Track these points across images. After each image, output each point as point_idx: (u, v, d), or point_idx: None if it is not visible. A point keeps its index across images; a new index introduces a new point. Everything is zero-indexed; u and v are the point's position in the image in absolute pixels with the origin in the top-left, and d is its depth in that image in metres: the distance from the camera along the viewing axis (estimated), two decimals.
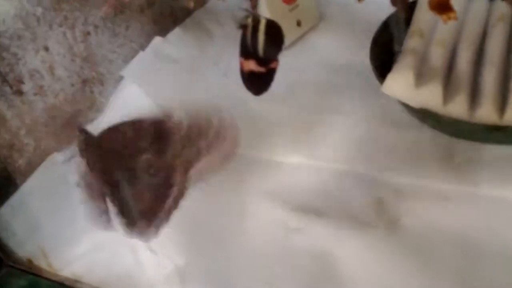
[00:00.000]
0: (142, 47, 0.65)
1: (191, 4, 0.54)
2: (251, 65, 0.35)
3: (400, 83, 0.51)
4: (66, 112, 0.56)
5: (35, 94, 0.52)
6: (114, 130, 0.41)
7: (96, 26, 0.58)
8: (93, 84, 0.59)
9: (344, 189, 0.50)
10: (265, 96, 0.60)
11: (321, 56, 0.65)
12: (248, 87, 0.36)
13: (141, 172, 0.39)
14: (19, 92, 0.50)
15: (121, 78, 0.63)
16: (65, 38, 0.55)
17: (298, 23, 0.66)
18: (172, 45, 0.66)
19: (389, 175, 0.50)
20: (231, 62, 0.66)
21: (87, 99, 0.59)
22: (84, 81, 0.58)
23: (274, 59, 0.36)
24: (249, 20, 0.34)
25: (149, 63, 0.65)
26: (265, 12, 0.60)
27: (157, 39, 0.67)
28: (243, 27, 0.35)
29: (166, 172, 0.39)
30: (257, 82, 0.36)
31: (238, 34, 0.71)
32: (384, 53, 0.59)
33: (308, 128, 0.57)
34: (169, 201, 0.39)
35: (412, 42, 0.58)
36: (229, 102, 0.61)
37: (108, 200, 0.39)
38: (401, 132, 0.53)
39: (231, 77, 0.64)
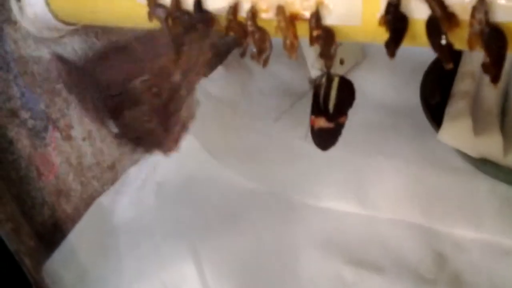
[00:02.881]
0: None
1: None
2: (322, 122, 0.34)
3: (457, 132, 0.49)
4: (111, 155, 0.55)
5: (83, 139, 0.51)
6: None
7: None
8: None
9: (400, 240, 0.48)
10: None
11: (366, 95, 0.64)
12: (317, 143, 0.36)
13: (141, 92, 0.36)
14: (69, 137, 0.49)
15: None
16: None
17: (341, 61, 0.65)
18: (215, 83, 0.65)
19: (446, 226, 0.48)
20: (274, 102, 0.65)
21: None
22: None
23: (344, 114, 0.35)
24: (323, 80, 0.33)
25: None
26: (308, 51, 0.59)
27: (203, 80, 0.66)
28: (317, 86, 0.34)
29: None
30: (326, 138, 0.35)
31: (277, 70, 0.71)
32: (434, 94, 0.58)
33: (357, 172, 0.55)
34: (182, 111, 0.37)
35: (463, 84, 0.57)
36: (275, 143, 0.60)
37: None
38: (456, 179, 0.52)
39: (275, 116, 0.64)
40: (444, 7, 0.28)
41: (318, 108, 0.35)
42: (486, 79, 0.55)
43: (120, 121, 0.37)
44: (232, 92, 0.67)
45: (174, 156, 0.60)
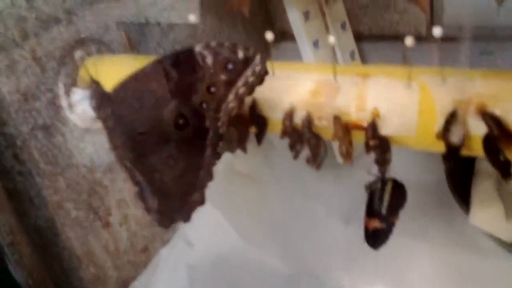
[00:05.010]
0: None
1: None
2: (375, 223, 0.35)
3: (489, 216, 0.50)
4: (144, 237, 0.55)
5: (120, 225, 0.52)
6: (131, 80, 0.35)
7: None
8: None
9: None
10: (335, 213, 0.61)
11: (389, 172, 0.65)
12: (370, 243, 0.36)
13: (168, 125, 0.35)
14: (107, 224, 0.50)
15: None
16: None
17: None
18: (241, 160, 0.66)
19: None
20: (298, 175, 0.66)
21: None
22: None
23: (396, 214, 0.36)
24: (378, 185, 0.35)
25: (221, 180, 0.65)
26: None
27: (227, 155, 0.67)
28: (372, 191, 0.35)
29: (197, 120, 0.35)
30: (379, 237, 0.36)
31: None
32: (459, 169, 0.59)
33: (389, 255, 0.56)
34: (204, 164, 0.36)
35: (486, 162, 0.59)
36: (307, 223, 0.61)
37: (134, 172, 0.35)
38: (489, 262, 0.52)
39: (304, 193, 0.64)
40: (501, 127, 0.30)
41: (372, 211, 0.36)
42: None
43: (144, 169, 0.35)
44: (257, 167, 0.68)
45: (204, 236, 0.61)
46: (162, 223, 0.37)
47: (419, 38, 0.67)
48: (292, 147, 0.37)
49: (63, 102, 0.44)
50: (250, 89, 0.34)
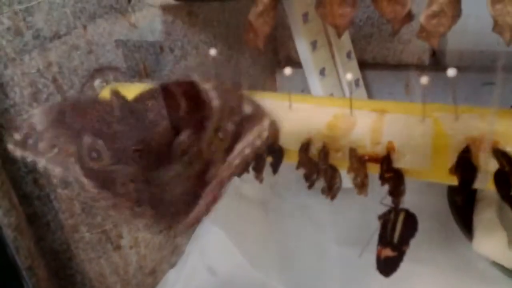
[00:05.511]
0: None
1: None
2: (388, 252, 0.36)
3: (492, 244, 0.52)
4: (152, 260, 0.56)
5: (130, 248, 0.52)
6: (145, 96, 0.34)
7: None
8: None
9: None
10: (339, 240, 0.62)
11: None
12: (381, 271, 0.37)
13: (176, 156, 0.33)
14: (118, 247, 0.51)
15: None
16: None
17: None
18: (248, 184, 0.67)
19: None
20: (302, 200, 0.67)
21: (171, 244, 0.60)
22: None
23: (407, 243, 0.37)
24: (391, 215, 0.36)
25: (228, 203, 0.66)
26: None
27: (234, 179, 0.69)
28: (385, 221, 0.36)
29: (204, 159, 0.33)
30: (390, 265, 0.37)
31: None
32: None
33: (396, 280, 0.57)
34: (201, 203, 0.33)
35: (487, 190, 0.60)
36: (310, 249, 0.62)
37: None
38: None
39: (308, 219, 0.66)
40: None
41: (385, 240, 0.37)
42: None
43: (147, 179, 0.34)
44: (262, 191, 0.69)
45: (211, 259, 0.61)
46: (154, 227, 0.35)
47: (422, 67, 0.69)
48: (307, 177, 0.39)
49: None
50: (256, 152, 0.32)
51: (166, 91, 0.35)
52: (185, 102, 0.35)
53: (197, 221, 0.36)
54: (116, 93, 0.35)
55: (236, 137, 0.32)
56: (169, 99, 0.35)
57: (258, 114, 0.32)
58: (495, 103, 0.32)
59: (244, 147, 0.32)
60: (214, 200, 0.35)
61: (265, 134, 0.32)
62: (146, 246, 0.55)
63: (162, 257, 0.58)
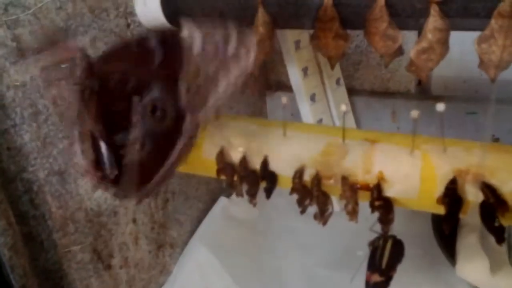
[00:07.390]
0: (207, 206, 0.68)
1: None
2: (376, 277, 0.38)
3: (475, 270, 0.53)
4: (141, 280, 0.56)
5: (120, 267, 0.53)
6: (114, 53, 0.35)
7: (173, 193, 0.61)
8: (165, 248, 0.61)
9: None
10: (325, 263, 0.63)
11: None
12: None
13: (144, 113, 0.34)
14: (109, 267, 0.51)
15: (188, 239, 0.65)
16: (149, 207, 0.57)
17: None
18: (236, 205, 0.68)
19: None
20: (290, 221, 0.68)
21: (159, 264, 0.60)
22: (159, 247, 0.60)
23: (394, 268, 0.38)
24: (380, 242, 0.37)
25: (216, 224, 0.67)
26: None
27: (223, 200, 0.70)
28: (374, 247, 0.37)
29: (175, 116, 0.33)
30: None
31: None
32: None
33: None
34: (174, 154, 0.33)
35: (470, 217, 0.62)
36: (297, 273, 0.63)
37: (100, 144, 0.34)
38: None
39: (294, 241, 0.67)
40: (497, 196, 0.33)
41: (374, 265, 0.38)
42: None
43: (112, 142, 0.35)
44: (251, 213, 0.70)
45: (198, 279, 0.62)
46: (116, 193, 0.36)
47: (407, 96, 0.71)
48: (300, 203, 0.40)
49: (77, 148, 0.46)
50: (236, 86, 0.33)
51: (141, 44, 0.35)
52: (161, 51, 0.35)
53: (167, 177, 0.35)
54: (81, 50, 0.34)
55: (218, 78, 0.32)
56: (143, 53, 0.35)
57: (242, 51, 0.32)
58: (484, 138, 0.33)
59: (227, 87, 0.33)
60: (188, 148, 0.35)
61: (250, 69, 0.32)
62: (135, 266, 0.56)
63: (150, 277, 0.59)
